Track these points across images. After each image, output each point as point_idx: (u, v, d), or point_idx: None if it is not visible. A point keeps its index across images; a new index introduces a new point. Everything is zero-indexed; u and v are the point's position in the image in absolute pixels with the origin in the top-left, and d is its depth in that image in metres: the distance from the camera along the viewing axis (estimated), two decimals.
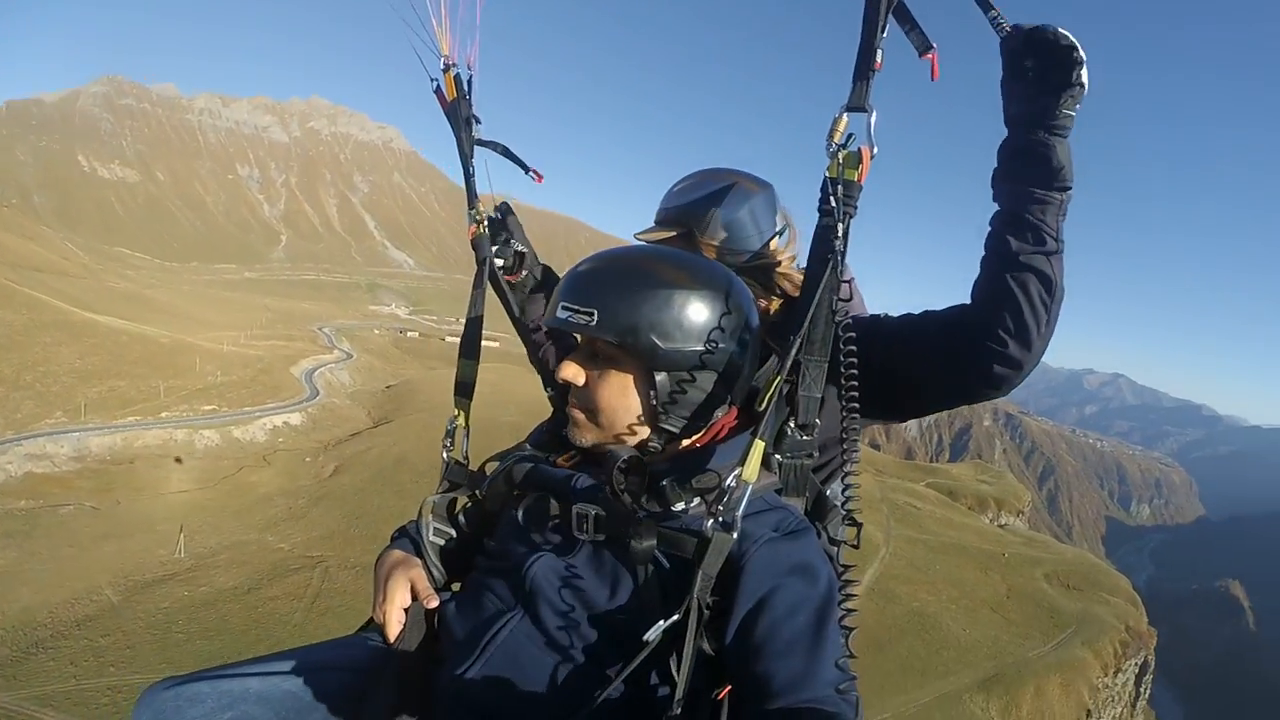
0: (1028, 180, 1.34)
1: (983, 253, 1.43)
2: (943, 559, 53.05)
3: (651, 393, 1.22)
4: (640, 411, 1.24)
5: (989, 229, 1.42)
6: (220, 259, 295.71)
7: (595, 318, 1.18)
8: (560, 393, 1.50)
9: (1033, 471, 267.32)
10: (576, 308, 1.20)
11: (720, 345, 1.23)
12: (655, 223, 1.74)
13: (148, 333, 75.84)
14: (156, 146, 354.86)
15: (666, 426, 1.25)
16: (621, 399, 1.24)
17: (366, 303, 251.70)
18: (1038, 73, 1.30)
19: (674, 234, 1.69)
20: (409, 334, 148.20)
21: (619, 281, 1.22)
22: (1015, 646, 41.96)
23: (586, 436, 1.27)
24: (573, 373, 1.25)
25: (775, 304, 1.66)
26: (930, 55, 1.27)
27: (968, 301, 1.47)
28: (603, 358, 1.24)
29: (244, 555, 40.67)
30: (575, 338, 1.33)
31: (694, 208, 1.67)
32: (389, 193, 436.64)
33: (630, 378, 1.23)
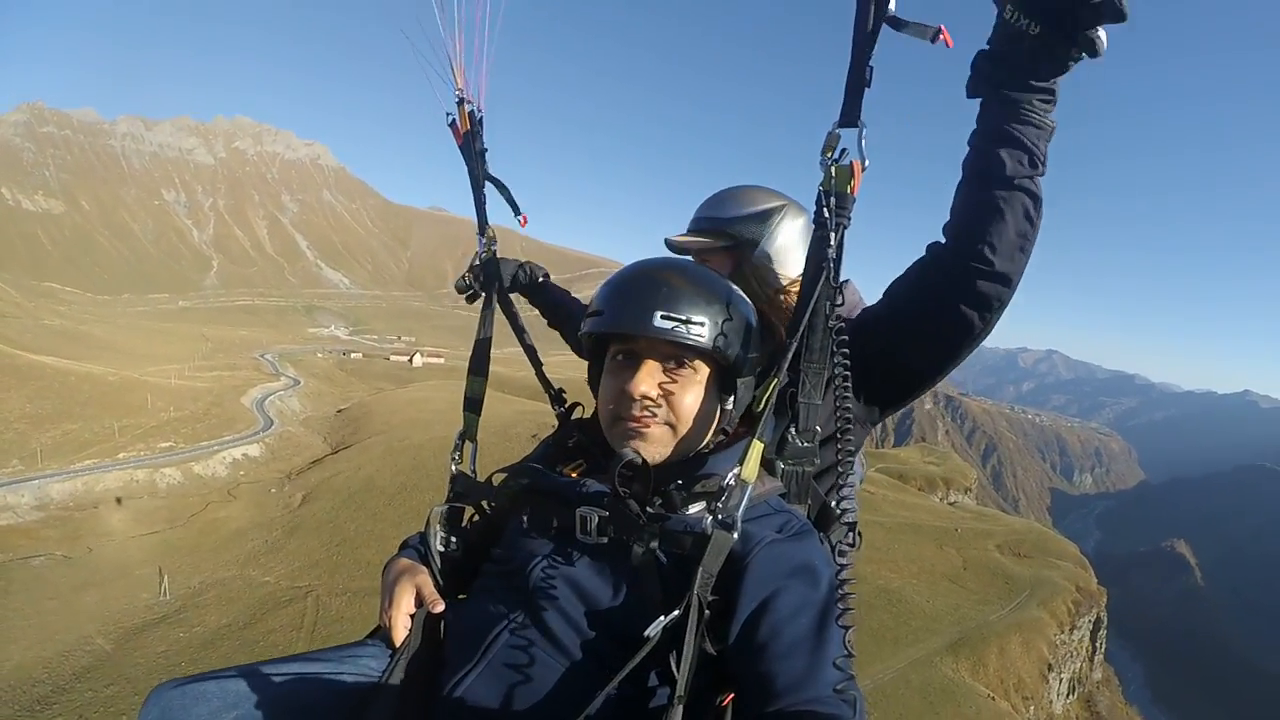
0: (1026, 104, 1.33)
1: (964, 171, 1.43)
2: (901, 538, 56.50)
3: (731, 399, 1.31)
4: (715, 419, 1.31)
5: (973, 146, 1.41)
6: (152, 289, 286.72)
7: (707, 329, 1.23)
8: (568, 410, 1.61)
9: (976, 450, 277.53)
10: (685, 319, 1.22)
11: (759, 350, 1.35)
12: (693, 231, 1.79)
13: (94, 371, 74.66)
14: (80, 175, 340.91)
15: (727, 429, 1.34)
16: (705, 408, 1.28)
17: (305, 325, 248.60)
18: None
19: (720, 246, 1.74)
20: (352, 355, 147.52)
21: (715, 293, 1.28)
22: (976, 612, 45.58)
23: (659, 450, 1.27)
24: (652, 385, 1.25)
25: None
26: (941, 33, 1.24)
27: (939, 240, 1.49)
28: (684, 368, 1.26)
29: (230, 592, 41.11)
30: (604, 348, 1.35)
31: (743, 225, 1.73)
32: (319, 211, 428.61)
33: (710, 386, 1.29)
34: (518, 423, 64.95)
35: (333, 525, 50.43)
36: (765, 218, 1.72)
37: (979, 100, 1.40)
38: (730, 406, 1.31)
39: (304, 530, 49.91)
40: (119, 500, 52.46)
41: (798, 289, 1.56)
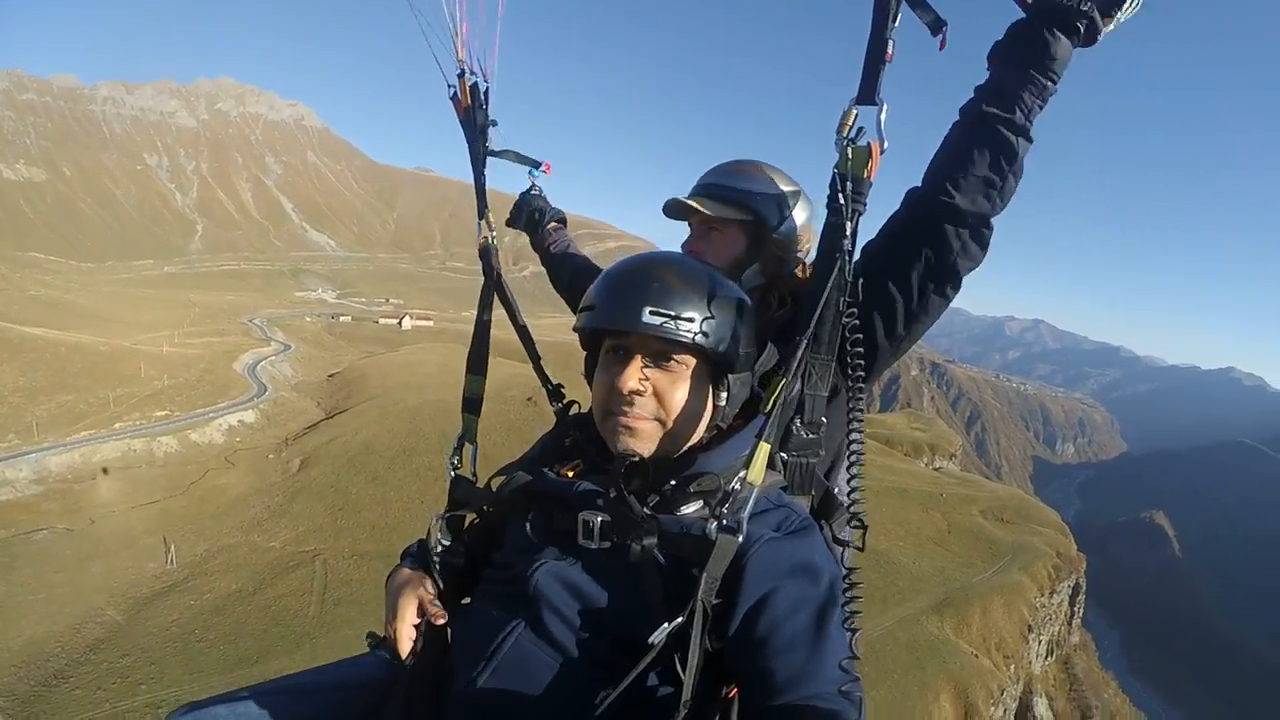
0: (1037, 77, 1.35)
1: (958, 117, 1.44)
2: (888, 502, 57.97)
3: (724, 394, 1.29)
4: (707, 414, 1.29)
5: (973, 97, 1.42)
6: (137, 255, 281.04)
7: (696, 324, 1.21)
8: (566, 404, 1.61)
9: (960, 417, 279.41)
10: (674, 314, 1.21)
11: (755, 345, 1.33)
12: (710, 197, 1.73)
13: (85, 342, 74.36)
14: (61, 142, 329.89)
15: (721, 424, 1.32)
16: (697, 403, 1.27)
17: (292, 289, 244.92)
18: None
19: (738, 217, 1.71)
20: (341, 319, 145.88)
21: (704, 287, 1.26)
22: (960, 574, 47.66)
23: (648, 445, 1.26)
24: (642, 381, 1.24)
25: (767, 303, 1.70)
26: (943, 31, 1.26)
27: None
28: (674, 363, 1.25)
29: (237, 558, 41.96)
30: (601, 343, 1.33)
31: (767, 202, 1.71)
32: (304, 173, 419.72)
33: (702, 381, 1.27)
34: (511, 385, 65.32)
35: (334, 489, 51.46)
36: (785, 200, 1.72)
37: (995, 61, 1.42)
38: (723, 402, 1.30)
39: (306, 495, 50.84)
40: (105, 470, 52.86)
41: (807, 274, 1.57)
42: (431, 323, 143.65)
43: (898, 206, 1.50)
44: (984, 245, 1.43)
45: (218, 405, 68.14)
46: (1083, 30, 1.32)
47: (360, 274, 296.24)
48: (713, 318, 1.23)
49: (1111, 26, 1.34)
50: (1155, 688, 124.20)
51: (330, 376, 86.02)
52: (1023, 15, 1.37)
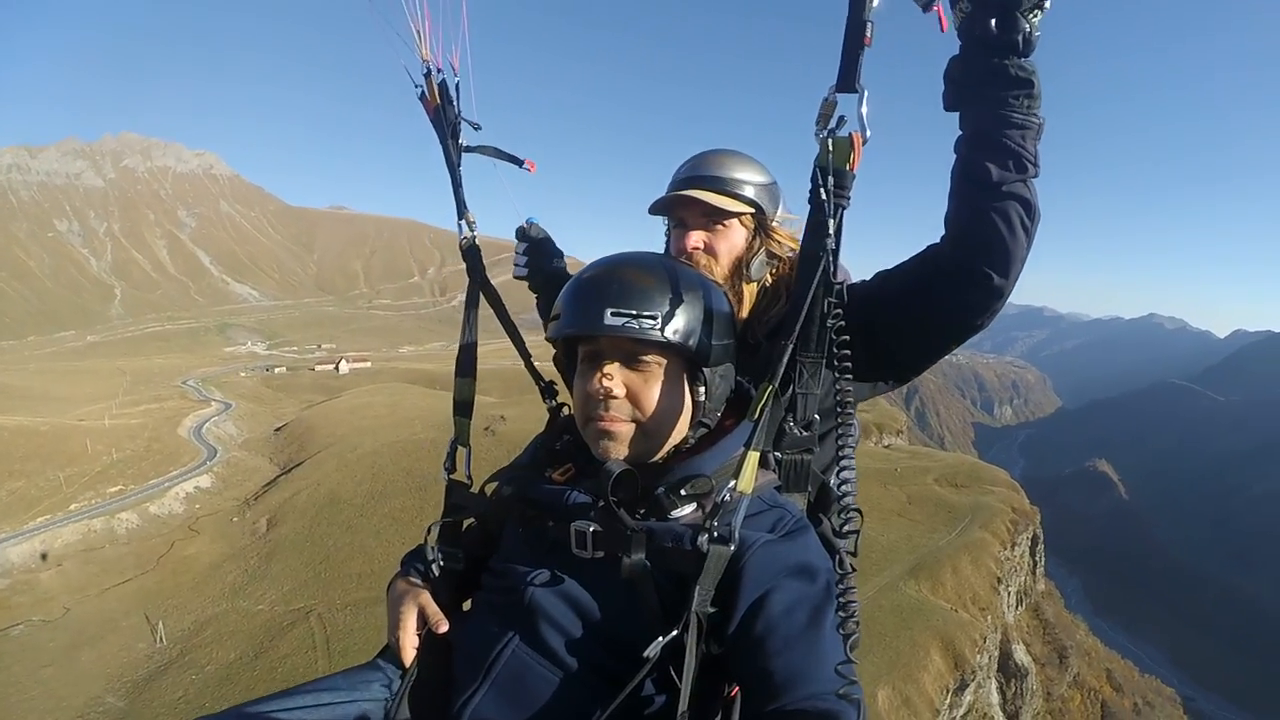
0: (1007, 106, 1.29)
1: (953, 181, 1.39)
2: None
3: (702, 389, 1.28)
4: (685, 412, 1.28)
5: (960, 154, 1.37)
6: (57, 327, 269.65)
7: (659, 321, 1.20)
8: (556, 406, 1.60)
9: (899, 394, 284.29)
10: (634, 313, 1.20)
11: (732, 335, 1.33)
12: (718, 190, 1.69)
13: (25, 424, 71.71)
14: None
15: (706, 421, 1.31)
16: (673, 401, 1.26)
17: (220, 345, 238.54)
18: None
19: (744, 211, 1.70)
20: (276, 370, 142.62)
21: (666, 283, 1.25)
22: (926, 539, 50.58)
23: (625, 447, 1.25)
24: (615, 383, 1.23)
25: (758, 296, 1.70)
26: (936, 7, 1.22)
27: (937, 242, 1.46)
28: (645, 362, 1.25)
29: (229, 626, 41.59)
30: (581, 348, 1.32)
31: (767, 192, 1.72)
32: (218, 224, 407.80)
33: (676, 378, 1.27)
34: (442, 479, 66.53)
35: (310, 544, 51.13)
36: (774, 188, 1.75)
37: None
38: (702, 397, 1.29)
39: (282, 554, 50.43)
40: (44, 556, 51.15)
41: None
42: (369, 364, 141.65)
43: (921, 258, 1.50)
44: (1009, 296, 1.44)
45: (170, 474, 66.75)
46: (1038, 32, 1.27)
47: (288, 322, 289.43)
48: (677, 312, 1.23)
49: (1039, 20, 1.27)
50: (1122, 625, 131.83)
51: (277, 430, 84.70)
52: (962, 51, 1.32)
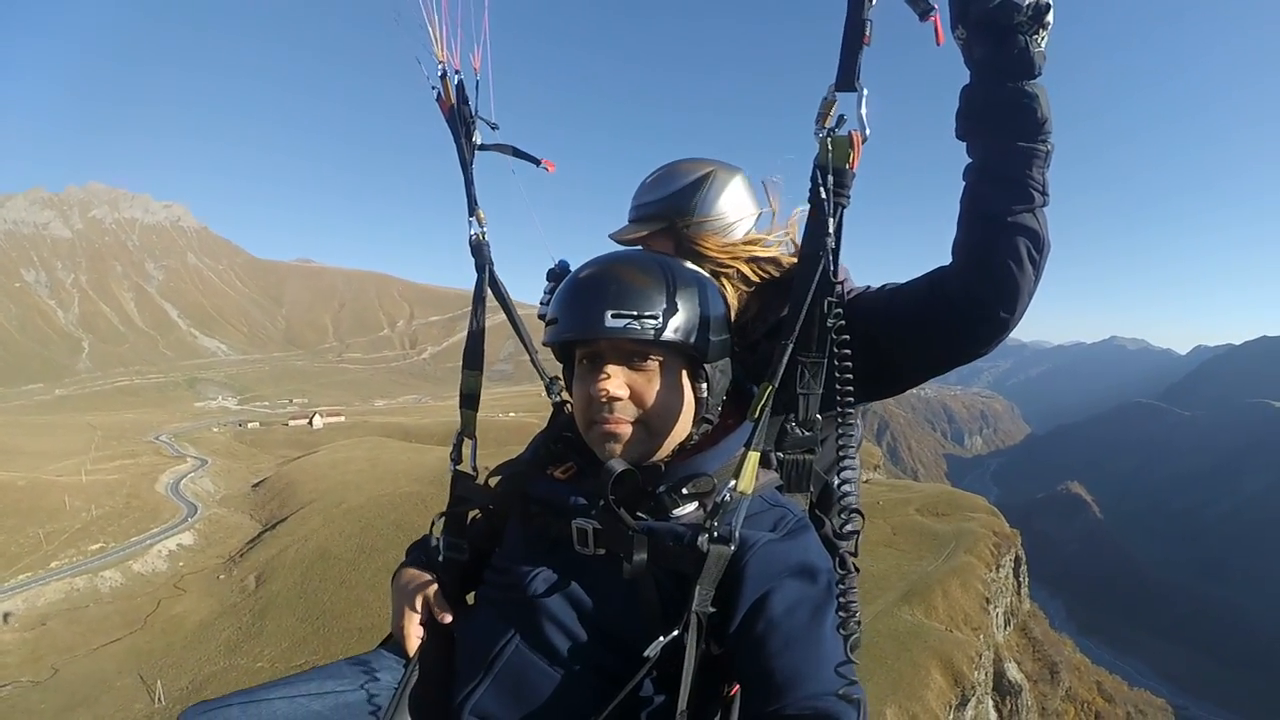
0: (1010, 133, 1.26)
1: (961, 209, 1.37)
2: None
3: (702, 386, 1.28)
4: (688, 409, 1.28)
5: (967, 183, 1.34)
6: (25, 380, 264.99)
7: (660, 321, 1.20)
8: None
9: (869, 430, 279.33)
10: (635, 314, 1.20)
11: (729, 330, 1.33)
12: (631, 221, 1.72)
13: (1, 479, 70.08)
14: None
15: (709, 417, 1.31)
16: (675, 399, 1.26)
17: (191, 400, 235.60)
18: (1001, 9, 1.19)
19: (655, 229, 1.67)
20: (249, 425, 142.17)
21: (661, 281, 1.24)
22: (915, 566, 51.93)
23: (630, 449, 1.25)
24: (618, 385, 1.23)
25: (746, 294, 1.61)
26: (933, 17, 1.17)
27: (947, 264, 1.42)
28: (646, 362, 1.24)
29: (229, 683, 40.81)
30: (579, 350, 1.31)
31: (675, 200, 1.65)
32: (186, 276, 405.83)
33: (678, 376, 1.26)
34: (448, 470, 65.94)
35: (304, 601, 50.70)
36: (695, 187, 1.67)
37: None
38: (705, 395, 1.28)
39: (275, 611, 49.99)
40: (5, 618, 50.10)
41: (750, 249, 1.61)
42: (343, 418, 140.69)
43: (929, 281, 1.46)
44: (1010, 331, 1.42)
45: (151, 531, 66.20)
46: (1044, 60, 1.23)
47: (257, 376, 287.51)
48: (676, 310, 1.22)
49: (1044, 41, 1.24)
50: (1106, 643, 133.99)
51: (255, 486, 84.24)
52: (979, 79, 1.28)
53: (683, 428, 1.28)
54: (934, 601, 46.52)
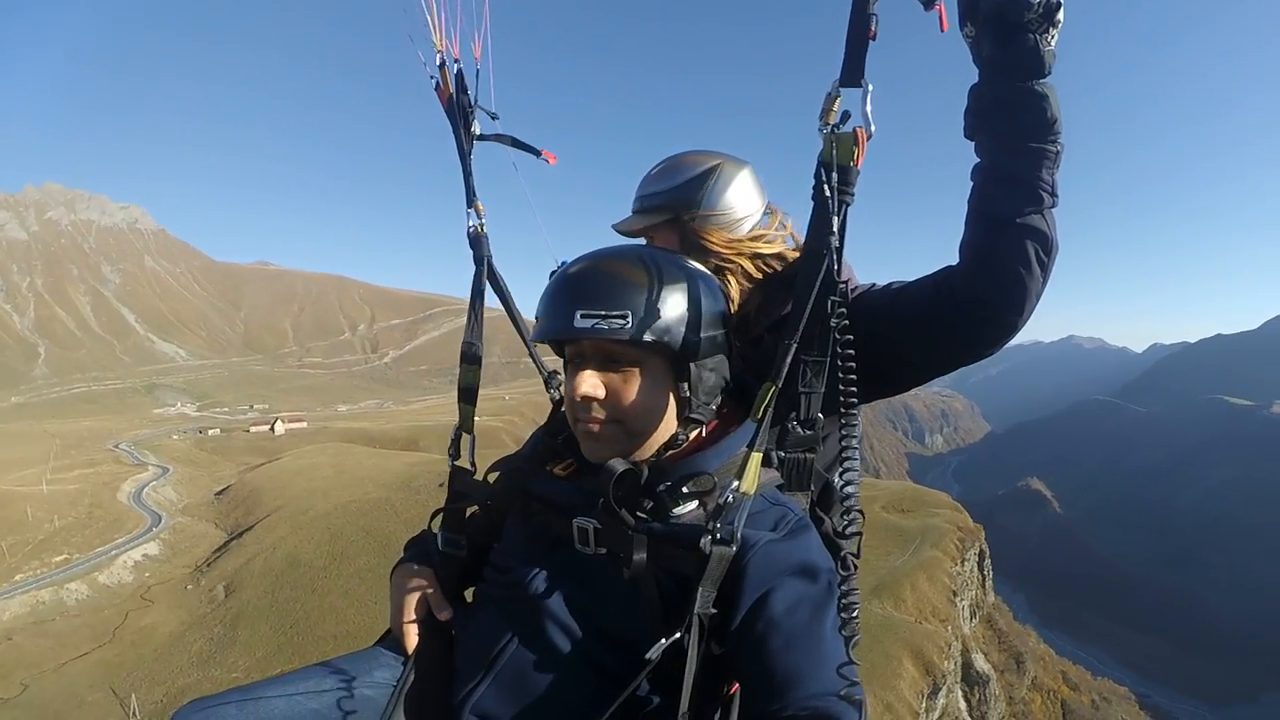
0: (1018, 134, 1.24)
1: (969, 210, 1.34)
2: None
3: (684, 385, 1.23)
4: (671, 409, 1.24)
5: (974, 184, 1.32)
6: None
7: (630, 320, 1.16)
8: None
9: None
10: (603, 313, 1.16)
11: (724, 326, 1.27)
12: (635, 212, 1.70)
13: None
14: None
15: (696, 417, 1.26)
16: (655, 399, 1.22)
17: (149, 407, 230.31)
18: (1011, 5, 1.16)
19: (660, 220, 1.65)
20: (210, 432, 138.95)
21: (641, 278, 1.21)
22: (883, 561, 53.48)
23: (610, 449, 1.23)
24: (593, 386, 1.20)
25: (749, 289, 1.61)
26: (938, 6, 1.16)
27: (954, 264, 1.40)
28: (625, 361, 1.21)
29: (206, 693, 40.73)
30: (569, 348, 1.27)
31: (681, 192, 1.63)
32: (143, 280, 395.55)
33: (659, 376, 1.22)
34: (416, 475, 65.96)
35: (276, 609, 50.19)
36: (702, 180, 1.63)
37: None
38: (687, 393, 1.24)
39: (247, 621, 49.36)
40: None
41: (755, 245, 1.60)
42: (305, 424, 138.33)
43: (935, 281, 1.44)
44: (1017, 333, 1.40)
45: (116, 541, 65.03)
46: (1054, 59, 1.20)
47: (217, 382, 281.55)
48: (653, 308, 1.18)
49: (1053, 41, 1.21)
50: (1069, 635, 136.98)
51: (218, 494, 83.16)
52: (989, 75, 1.25)
53: (665, 428, 1.26)
54: (903, 595, 48.08)
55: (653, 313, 1.18)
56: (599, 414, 1.22)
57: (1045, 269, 1.31)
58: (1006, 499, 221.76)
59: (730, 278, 1.58)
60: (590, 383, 1.21)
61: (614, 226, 1.72)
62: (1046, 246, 1.29)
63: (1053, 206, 1.28)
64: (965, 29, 1.25)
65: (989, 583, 65.59)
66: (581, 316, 1.17)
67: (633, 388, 1.21)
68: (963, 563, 58.69)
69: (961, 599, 54.79)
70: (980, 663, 50.51)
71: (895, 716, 36.28)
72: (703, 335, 1.22)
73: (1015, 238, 1.28)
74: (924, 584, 50.66)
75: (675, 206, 1.64)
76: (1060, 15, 1.17)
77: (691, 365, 1.23)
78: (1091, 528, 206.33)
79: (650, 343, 1.18)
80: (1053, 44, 1.20)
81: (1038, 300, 1.34)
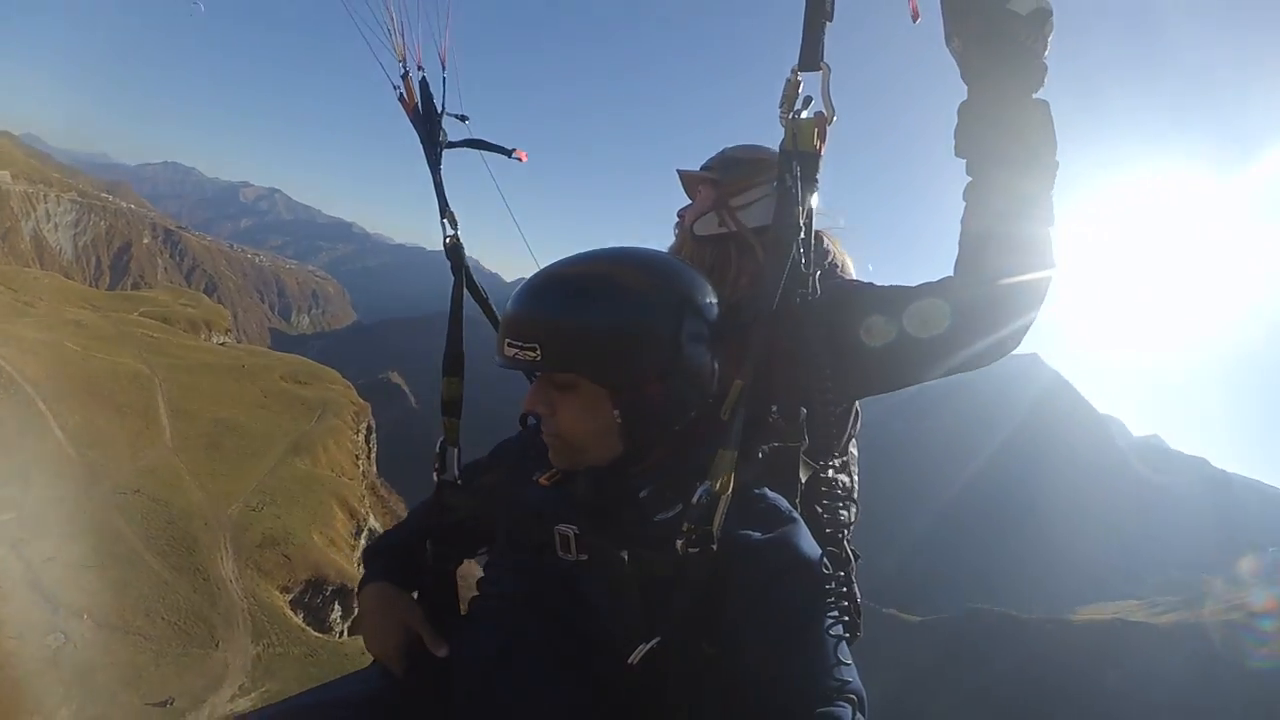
0: (1014, 151, 1.25)
1: (962, 228, 1.36)
2: (204, 377, 62.34)
3: (615, 412, 1.23)
4: (609, 430, 1.25)
5: (968, 202, 1.34)
6: None
7: (539, 352, 1.18)
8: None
9: (196, 289, 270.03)
10: (520, 344, 1.20)
11: (683, 348, 1.23)
12: (701, 166, 1.79)
13: None
14: None
15: (640, 440, 1.27)
16: (586, 423, 1.25)
17: None
18: (1000, 19, 1.18)
19: (709, 180, 1.73)
20: None
21: (563, 304, 1.22)
22: (295, 426, 57.30)
23: (562, 460, 1.30)
24: (534, 404, 1.27)
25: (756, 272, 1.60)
26: None
27: (950, 276, 1.40)
28: (562, 384, 1.25)
29: None
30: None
31: (734, 165, 1.72)
32: None
33: (594, 399, 1.23)
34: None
35: None
36: (754, 164, 1.72)
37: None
38: (619, 420, 1.24)
39: None
40: None
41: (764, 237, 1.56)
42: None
43: (928, 288, 1.43)
44: (1016, 346, 1.42)
45: None
46: (1046, 71, 1.22)
47: None
48: (562, 341, 1.20)
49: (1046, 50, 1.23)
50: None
51: None
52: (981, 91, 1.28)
53: (606, 448, 1.27)
54: (318, 455, 53.47)
55: (567, 343, 1.20)
56: (546, 429, 1.30)
57: (1042, 289, 1.32)
58: (364, 388, 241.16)
59: (748, 260, 1.70)
60: (531, 398, 1.30)
61: (678, 170, 1.86)
62: (1041, 265, 1.30)
63: (1049, 225, 1.29)
64: (953, 44, 1.28)
65: (374, 454, 75.12)
66: (508, 345, 1.23)
67: (568, 410, 1.26)
68: (358, 432, 66.74)
69: (360, 463, 62.82)
70: (373, 522, 59.92)
71: (337, 550, 41.74)
72: (629, 363, 1.21)
73: (1009, 256, 1.29)
74: (333, 448, 56.80)
75: (722, 173, 1.76)
76: (1050, 25, 1.21)
77: (621, 391, 1.23)
78: (438, 422, 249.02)
79: (577, 372, 1.22)
80: (1044, 55, 1.24)
81: (1033, 316, 1.35)
